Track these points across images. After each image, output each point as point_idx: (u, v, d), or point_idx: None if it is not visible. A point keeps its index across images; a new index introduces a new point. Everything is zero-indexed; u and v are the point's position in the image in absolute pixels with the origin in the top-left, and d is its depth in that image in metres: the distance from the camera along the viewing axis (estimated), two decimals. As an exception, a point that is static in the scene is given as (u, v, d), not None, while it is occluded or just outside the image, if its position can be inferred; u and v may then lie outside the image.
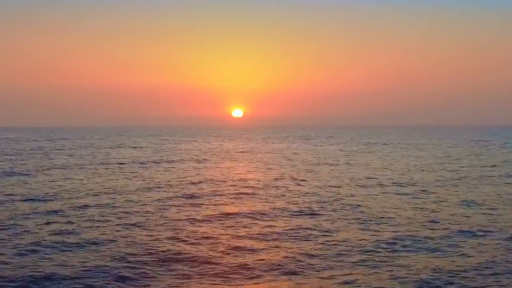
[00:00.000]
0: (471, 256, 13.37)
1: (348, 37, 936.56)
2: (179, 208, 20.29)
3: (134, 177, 31.25)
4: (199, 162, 43.56)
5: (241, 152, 61.01)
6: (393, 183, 29.05)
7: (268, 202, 21.95)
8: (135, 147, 69.80)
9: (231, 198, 23.13)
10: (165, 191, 25.02)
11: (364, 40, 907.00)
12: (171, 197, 23.03)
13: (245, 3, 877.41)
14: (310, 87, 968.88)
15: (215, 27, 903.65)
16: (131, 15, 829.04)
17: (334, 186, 27.43)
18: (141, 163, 41.96)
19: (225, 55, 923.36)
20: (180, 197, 23.02)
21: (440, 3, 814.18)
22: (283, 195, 24.05)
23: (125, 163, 40.91)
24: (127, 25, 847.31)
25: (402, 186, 27.90)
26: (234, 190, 25.69)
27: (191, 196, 23.23)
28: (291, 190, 25.72)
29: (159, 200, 22.13)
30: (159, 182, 28.51)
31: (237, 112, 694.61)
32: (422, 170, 36.98)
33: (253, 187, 26.93)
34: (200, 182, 28.42)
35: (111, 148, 67.98)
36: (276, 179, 30.51)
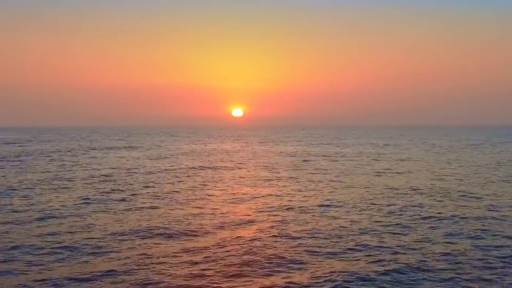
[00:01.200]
0: None
1: (348, 37, 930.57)
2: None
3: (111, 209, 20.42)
4: (212, 170, 37.47)
5: (253, 157, 54.79)
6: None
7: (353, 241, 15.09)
8: (130, 147, 63.63)
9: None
10: (156, 235, 15.89)
11: (363, 40, 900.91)
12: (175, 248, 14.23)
13: (245, 3, 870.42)
14: (309, 87, 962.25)
15: (216, 27, 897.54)
16: (131, 14, 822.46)
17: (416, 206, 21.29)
18: (129, 173, 35.76)
19: (226, 55, 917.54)
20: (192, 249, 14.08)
21: (441, 3, 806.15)
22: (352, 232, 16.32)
23: (109, 175, 33.92)
24: (127, 24, 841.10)
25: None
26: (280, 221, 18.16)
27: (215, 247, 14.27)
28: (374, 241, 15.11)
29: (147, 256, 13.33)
30: (150, 218, 18.46)
31: (237, 112, 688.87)
32: (486, 178, 31.27)
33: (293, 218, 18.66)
34: (224, 218, 18.59)
35: (105, 149, 61.73)
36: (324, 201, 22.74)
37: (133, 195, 24.31)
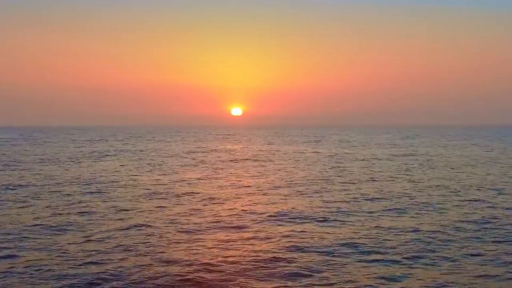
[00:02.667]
0: None
1: (348, 36, 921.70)
2: None
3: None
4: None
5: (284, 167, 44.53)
6: None
7: None
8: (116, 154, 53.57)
9: None
10: None
11: (364, 39, 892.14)
12: None
13: (245, 1, 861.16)
14: (309, 86, 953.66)
15: (215, 26, 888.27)
16: (129, 12, 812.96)
17: None
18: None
19: (225, 54, 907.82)
20: None
21: (442, 2, 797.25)
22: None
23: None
24: (126, 23, 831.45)
25: None
26: None
27: None
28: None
29: None
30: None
31: (237, 111, 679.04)
32: None
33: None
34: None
35: (90, 157, 51.51)
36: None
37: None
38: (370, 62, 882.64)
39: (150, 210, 19.31)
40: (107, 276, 11.04)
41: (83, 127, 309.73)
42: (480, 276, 11.21)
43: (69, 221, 17.00)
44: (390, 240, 14.39)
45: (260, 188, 25.86)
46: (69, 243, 13.98)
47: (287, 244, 13.82)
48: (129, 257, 12.54)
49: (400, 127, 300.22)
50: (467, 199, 22.04)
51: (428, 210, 19.30)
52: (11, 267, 11.71)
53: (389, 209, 19.42)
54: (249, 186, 26.79)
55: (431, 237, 14.64)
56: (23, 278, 10.97)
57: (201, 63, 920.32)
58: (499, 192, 24.25)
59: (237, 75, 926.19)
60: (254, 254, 12.77)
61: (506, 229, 15.89)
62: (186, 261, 12.26)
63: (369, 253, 13.05)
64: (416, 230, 15.53)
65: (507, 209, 19.58)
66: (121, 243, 13.94)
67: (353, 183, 28.04)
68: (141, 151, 60.20)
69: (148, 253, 12.99)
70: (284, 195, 23.36)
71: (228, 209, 19.54)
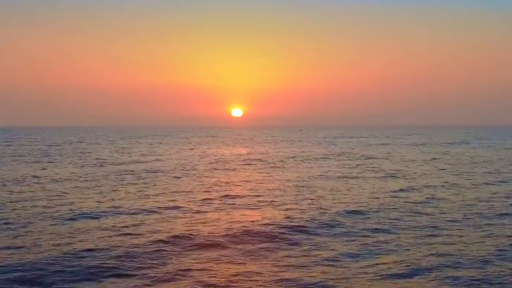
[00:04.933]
0: None
1: (349, 36, 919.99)
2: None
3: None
4: None
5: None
6: None
7: None
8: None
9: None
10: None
11: (365, 39, 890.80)
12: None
13: (245, 1, 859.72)
14: (309, 87, 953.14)
15: (215, 26, 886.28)
16: (128, 12, 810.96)
17: None
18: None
19: (225, 54, 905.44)
20: None
21: (442, 3, 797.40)
22: None
23: None
24: (124, 23, 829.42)
25: None
26: None
27: None
28: None
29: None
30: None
31: (237, 112, 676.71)
32: None
33: None
34: None
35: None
36: None
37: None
38: (371, 63, 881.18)
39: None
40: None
41: (83, 127, 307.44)
42: None
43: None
44: None
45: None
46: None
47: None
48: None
49: (401, 127, 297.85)
50: None
51: None
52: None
53: None
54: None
55: None
56: None
57: (201, 63, 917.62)
58: None
59: (237, 76, 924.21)
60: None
61: None
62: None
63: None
64: None
65: None
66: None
67: None
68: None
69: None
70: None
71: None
